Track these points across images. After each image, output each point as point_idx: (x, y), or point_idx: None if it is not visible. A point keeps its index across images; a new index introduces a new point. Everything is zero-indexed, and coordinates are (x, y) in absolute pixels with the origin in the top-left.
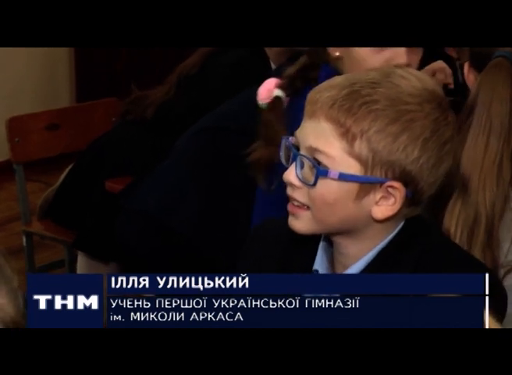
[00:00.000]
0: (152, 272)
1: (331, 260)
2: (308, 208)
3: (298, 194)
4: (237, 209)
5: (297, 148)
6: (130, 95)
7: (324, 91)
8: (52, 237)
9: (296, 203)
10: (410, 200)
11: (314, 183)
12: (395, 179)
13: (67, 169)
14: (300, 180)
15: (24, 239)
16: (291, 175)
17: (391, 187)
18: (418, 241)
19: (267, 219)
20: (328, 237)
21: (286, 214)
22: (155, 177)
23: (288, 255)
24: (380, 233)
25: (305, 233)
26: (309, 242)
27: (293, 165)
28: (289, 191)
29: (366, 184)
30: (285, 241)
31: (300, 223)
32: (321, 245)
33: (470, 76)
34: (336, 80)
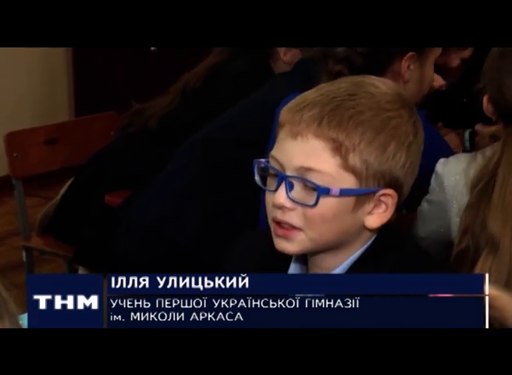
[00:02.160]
0: None
1: (305, 269)
2: (301, 229)
3: (291, 216)
4: (238, 218)
5: (280, 170)
6: (130, 109)
7: (304, 110)
8: (52, 252)
9: (286, 226)
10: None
11: (316, 203)
12: (385, 186)
13: (66, 184)
14: (293, 201)
15: (24, 254)
16: (282, 198)
17: (384, 195)
18: (392, 252)
19: (242, 233)
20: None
21: None
22: (154, 188)
23: (262, 264)
24: (360, 244)
25: (296, 254)
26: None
27: (282, 187)
28: (277, 214)
29: (362, 196)
30: (260, 253)
31: (293, 245)
32: (295, 256)
33: (489, 107)
34: (309, 96)
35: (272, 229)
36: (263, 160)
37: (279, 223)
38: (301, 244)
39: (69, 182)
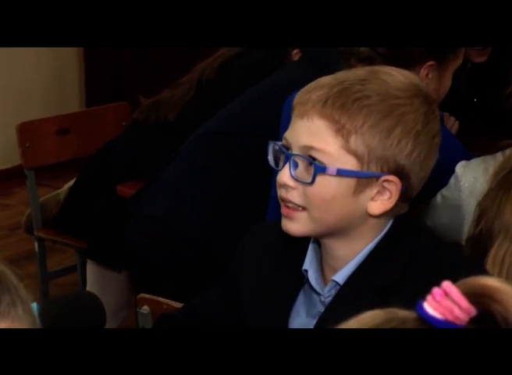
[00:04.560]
0: (164, 278)
1: (320, 260)
2: (304, 209)
3: (293, 195)
4: (245, 210)
5: (288, 150)
6: (140, 103)
7: (313, 91)
8: (64, 242)
9: (290, 205)
10: (403, 195)
11: (313, 181)
12: (390, 173)
13: (70, 182)
14: (295, 180)
15: (36, 244)
16: (285, 176)
17: (387, 181)
18: (408, 242)
19: (257, 224)
20: (317, 240)
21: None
22: (163, 182)
23: (279, 256)
24: (371, 232)
25: (300, 235)
26: (299, 243)
27: (287, 166)
28: (282, 193)
29: (363, 179)
30: (275, 244)
31: (296, 225)
32: (311, 246)
33: None
34: (323, 80)
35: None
36: (277, 142)
37: (284, 202)
38: (304, 225)
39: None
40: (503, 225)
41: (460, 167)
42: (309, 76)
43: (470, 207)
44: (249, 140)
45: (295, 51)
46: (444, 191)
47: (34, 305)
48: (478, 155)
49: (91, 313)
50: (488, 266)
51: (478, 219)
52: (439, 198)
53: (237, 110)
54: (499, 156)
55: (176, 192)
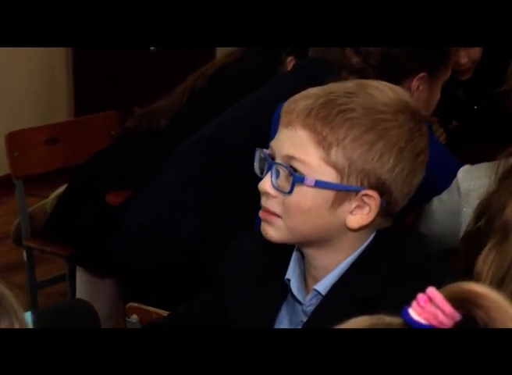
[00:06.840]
0: (156, 287)
1: (303, 270)
2: (280, 216)
3: (272, 203)
4: (238, 219)
5: (273, 158)
6: (132, 113)
7: (300, 101)
8: (53, 251)
9: (269, 212)
10: (384, 210)
11: (291, 191)
12: (370, 188)
13: (57, 191)
14: (275, 188)
15: (25, 254)
16: (266, 184)
17: (366, 195)
18: (390, 254)
19: (242, 234)
20: (299, 249)
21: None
22: (154, 191)
23: (262, 266)
24: (351, 245)
25: (277, 241)
26: (282, 252)
27: (269, 174)
28: (263, 200)
29: (342, 192)
30: (259, 253)
31: (273, 230)
32: (294, 255)
33: None
34: (312, 90)
35: None
36: (264, 150)
37: (264, 209)
38: (280, 231)
39: (63, 187)
40: (501, 225)
41: (461, 172)
42: (303, 88)
43: (466, 213)
44: (246, 148)
45: (289, 58)
46: (442, 196)
47: (28, 315)
48: (473, 163)
49: (85, 321)
50: (479, 265)
51: (479, 215)
52: (435, 202)
53: (235, 118)
54: (503, 164)
55: (168, 200)
